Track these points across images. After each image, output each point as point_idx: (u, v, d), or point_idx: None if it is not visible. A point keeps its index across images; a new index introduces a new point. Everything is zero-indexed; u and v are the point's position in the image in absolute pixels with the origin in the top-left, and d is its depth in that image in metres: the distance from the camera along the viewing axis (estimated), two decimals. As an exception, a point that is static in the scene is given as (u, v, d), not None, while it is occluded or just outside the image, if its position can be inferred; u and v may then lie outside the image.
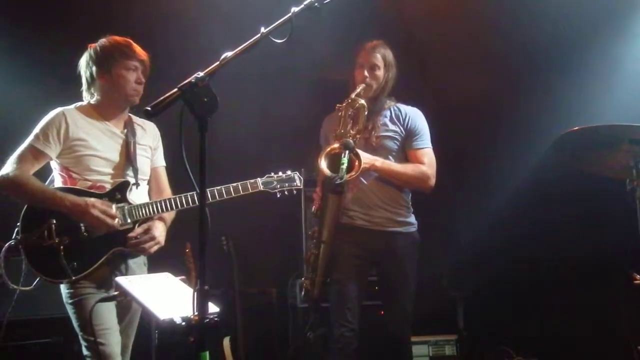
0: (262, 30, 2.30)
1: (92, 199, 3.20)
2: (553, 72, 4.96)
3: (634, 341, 3.46)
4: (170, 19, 4.82)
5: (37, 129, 3.27)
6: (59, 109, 3.34)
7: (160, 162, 3.61)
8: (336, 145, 3.64)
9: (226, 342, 4.49)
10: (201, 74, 2.14)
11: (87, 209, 3.17)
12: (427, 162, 3.88)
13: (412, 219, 3.92)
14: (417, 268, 3.85)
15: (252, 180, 3.44)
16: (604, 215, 4.36)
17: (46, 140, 3.24)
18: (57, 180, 3.33)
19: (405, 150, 3.93)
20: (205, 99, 2.11)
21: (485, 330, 4.90)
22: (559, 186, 4.63)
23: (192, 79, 2.12)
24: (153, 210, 3.33)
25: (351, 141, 3.58)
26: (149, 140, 3.55)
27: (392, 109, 3.95)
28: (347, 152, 3.53)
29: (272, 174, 3.51)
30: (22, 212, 3.22)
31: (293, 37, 2.31)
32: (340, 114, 3.74)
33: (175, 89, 2.11)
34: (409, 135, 3.92)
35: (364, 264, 3.83)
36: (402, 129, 3.92)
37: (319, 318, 4.70)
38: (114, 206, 3.26)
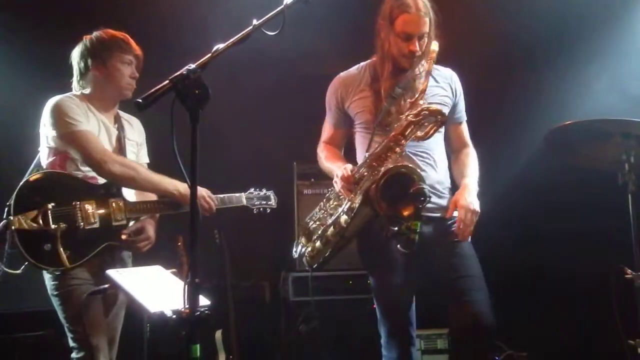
0: (255, 22, 2.29)
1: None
2: (545, 66, 4.97)
3: (625, 335, 3.47)
4: (162, 11, 4.81)
5: (65, 118, 3.18)
6: (61, 96, 3.29)
7: (145, 159, 3.61)
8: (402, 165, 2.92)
9: (218, 335, 4.49)
10: (193, 65, 2.13)
11: (200, 193, 3.28)
12: (470, 143, 3.41)
13: None
14: None
15: (237, 195, 3.60)
16: (596, 209, 4.36)
17: (80, 121, 3.20)
18: (46, 158, 3.25)
19: (448, 123, 3.24)
20: (197, 91, 2.10)
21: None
22: (550, 180, 4.64)
23: (183, 70, 2.11)
24: (149, 209, 3.35)
25: (426, 188, 2.84)
26: (136, 136, 3.55)
27: (430, 71, 3.16)
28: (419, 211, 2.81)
29: (252, 190, 3.69)
30: (17, 191, 3.09)
31: (285, 29, 2.31)
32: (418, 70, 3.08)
33: (167, 81, 2.10)
34: (456, 104, 3.31)
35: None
36: (452, 94, 3.29)
37: (311, 312, 4.71)
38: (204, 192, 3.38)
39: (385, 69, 3.19)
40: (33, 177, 3.16)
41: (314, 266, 3.22)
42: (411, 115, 2.94)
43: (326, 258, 3.17)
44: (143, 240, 3.32)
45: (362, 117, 3.25)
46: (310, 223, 3.27)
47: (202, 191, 3.35)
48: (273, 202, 3.72)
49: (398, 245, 2.84)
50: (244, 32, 2.28)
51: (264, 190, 3.71)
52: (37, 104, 3.34)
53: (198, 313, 2.11)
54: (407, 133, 2.96)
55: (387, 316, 3.23)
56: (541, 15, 4.76)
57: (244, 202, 3.63)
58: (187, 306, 2.11)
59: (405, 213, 2.82)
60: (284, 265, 4.90)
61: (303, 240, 3.28)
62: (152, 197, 3.45)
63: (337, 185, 3.09)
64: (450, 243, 3.15)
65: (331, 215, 3.15)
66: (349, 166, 3.10)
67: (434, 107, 2.96)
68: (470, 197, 3.15)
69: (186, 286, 2.11)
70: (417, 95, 3.01)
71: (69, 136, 3.19)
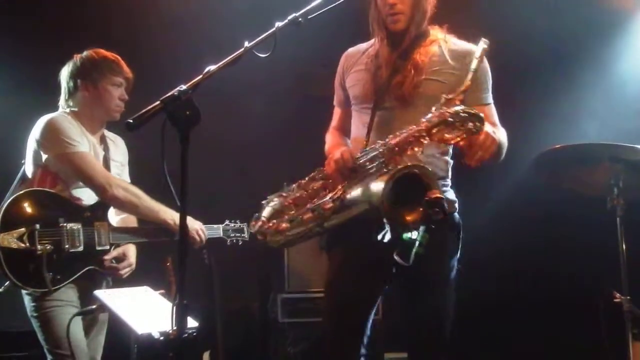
0: (246, 44, 2.30)
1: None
2: (535, 89, 4.99)
3: (613, 358, 3.47)
4: (153, 31, 4.82)
5: (63, 137, 3.14)
6: (56, 114, 3.26)
7: (127, 179, 3.56)
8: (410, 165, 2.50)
9: (206, 356, 4.46)
10: (184, 86, 2.13)
11: (194, 226, 3.38)
12: (498, 124, 2.89)
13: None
14: None
15: (215, 226, 3.64)
16: (585, 232, 4.38)
17: (78, 142, 3.18)
18: (33, 174, 3.21)
19: (466, 103, 2.71)
20: (188, 112, 2.10)
21: (470, 336, 4.91)
22: (539, 203, 4.65)
23: (174, 91, 2.10)
24: (134, 237, 3.34)
25: (442, 198, 2.41)
26: (120, 156, 3.53)
27: (441, 43, 2.83)
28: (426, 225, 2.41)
29: (229, 222, 3.71)
30: (4, 207, 3.04)
31: (277, 51, 2.32)
32: None
33: (158, 102, 2.09)
34: (474, 83, 2.74)
35: None
36: (462, 70, 2.76)
37: (299, 333, 4.69)
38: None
39: (380, 37, 2.87)
40: (21, 195, 3.11)
41: (273, 245, 2.86)
42: (448, 113, 2.46)
43: (291, 242, 2.82)
44: (125, 267, 3.31)
45: (353, 91, 2.92)
46: (280, 200, 2.86)
47: (196, 224, 3.42)
48: (246, 234, 3.75)
49: (395, 254, 2.44)
50: (235, 53, 2.28)
51: (239, 223, 3.74)
52: (26, 118, 3.35)
53: (186, 334, 2.10)
54: (433, 132, 2.49)
55: (332, 317, 2.81)
56: (533, 36, 4.78)
57: (221, 234, 3.67)
58: (174, 327, 2.09)
59: (409, 219, 2.43)
60: (273, 287, 4.88)
61: (266, 215, 2.86)
62: (134, 222, 3.44)
63: (330, 167, 2.70)
64: (428, 275, 2.68)
65: (312, 197, 2.75)
66: (351, 151, 2.70)
67: (474, 110, 2.47)
68: (491, 130, 2.60)
69: (174, 307, 2.10)
70: (457, 92, 2.59)
71: (66, 157, 3.15)
